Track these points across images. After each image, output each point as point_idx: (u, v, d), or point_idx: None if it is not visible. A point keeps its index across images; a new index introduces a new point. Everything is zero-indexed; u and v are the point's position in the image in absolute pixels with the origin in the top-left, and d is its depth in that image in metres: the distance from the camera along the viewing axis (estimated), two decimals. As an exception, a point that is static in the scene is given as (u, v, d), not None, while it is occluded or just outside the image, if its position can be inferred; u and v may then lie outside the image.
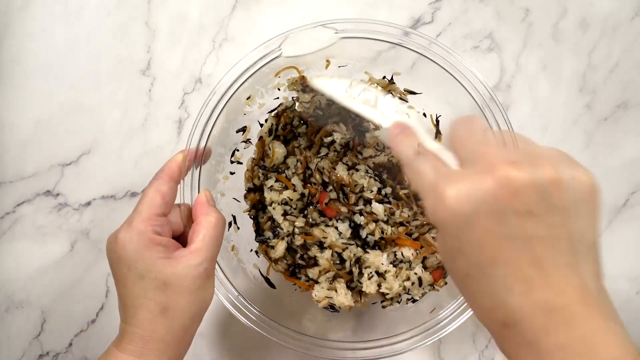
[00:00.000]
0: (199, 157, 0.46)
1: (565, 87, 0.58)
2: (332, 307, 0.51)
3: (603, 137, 0.58)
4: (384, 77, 0.52)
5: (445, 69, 0.46)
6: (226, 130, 0.50)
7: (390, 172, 0.54)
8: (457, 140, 0.31)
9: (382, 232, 0.51)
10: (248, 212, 0.54)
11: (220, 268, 0.47)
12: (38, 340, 0.57)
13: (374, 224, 0.51)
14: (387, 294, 0.49)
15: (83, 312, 0.57)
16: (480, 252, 0.28)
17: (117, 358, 0.37)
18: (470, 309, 0.45)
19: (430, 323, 0.47)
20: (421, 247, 0.51)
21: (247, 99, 0.49)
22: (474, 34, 0.58)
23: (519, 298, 0.27)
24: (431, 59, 0.46)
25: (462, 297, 0.46)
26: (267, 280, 0.53)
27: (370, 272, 0.50)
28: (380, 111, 0.41)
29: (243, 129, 0.52)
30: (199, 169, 0.46)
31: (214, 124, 0.46)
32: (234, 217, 0.52)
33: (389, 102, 0.42)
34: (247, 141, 0.53)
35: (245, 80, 0.46)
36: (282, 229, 0.52)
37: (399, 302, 0.52)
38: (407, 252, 0.50)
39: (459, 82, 0.47)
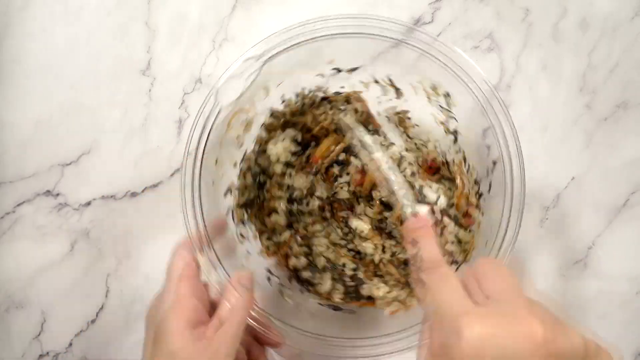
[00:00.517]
0: (205, 238, 0.43)
1: (565, 87, 0.58)
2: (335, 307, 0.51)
3: (603, 137, 0.58)
4: (389, 81, 0.52)
5: (448, 66, 0.46)
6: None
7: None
8: (486, 276, 0.29)
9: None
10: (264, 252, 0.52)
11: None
12: (38, 340, 0.57)
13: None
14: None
15: (83, 312, 0.57)
16: None
17: None
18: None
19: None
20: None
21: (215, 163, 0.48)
22: (474, 34, 0.58)
23: None
24: (434, 56, 0.46)
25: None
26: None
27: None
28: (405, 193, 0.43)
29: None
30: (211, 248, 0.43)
31: (208, 134, 0.46)
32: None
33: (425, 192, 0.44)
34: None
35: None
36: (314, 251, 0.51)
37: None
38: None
39: (461, 79, 0.46)
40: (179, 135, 0.58)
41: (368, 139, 0.49)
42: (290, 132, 0.51)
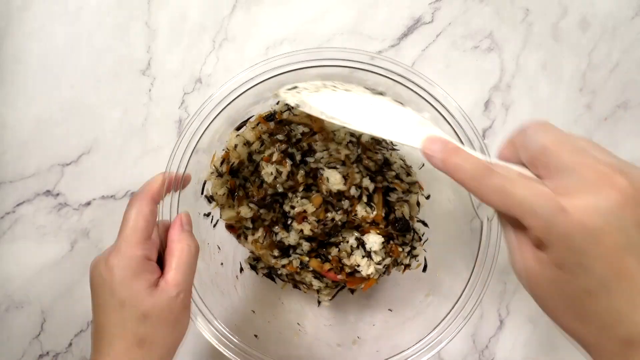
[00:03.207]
0: (178, 181, 0.45)
1: (565, 87, 0.58)
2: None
3: (603, 137, 0.58)
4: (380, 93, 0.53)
5: (422, 97, 0.46)
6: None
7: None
8: (544, 152, 0.29)
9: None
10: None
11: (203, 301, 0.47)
12: (38, 340, 0.57)
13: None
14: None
15: (83, 312, 0.57)
16: (606, 266, 0.27)
17: None
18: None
19: (431, 335, 0.47)
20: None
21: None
22: (474, 34, 0.58)
23: None
24: (406, 86, 0.47)
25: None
26: (253, 267, 0.54)
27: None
28: (398, 126, 0.36)
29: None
30: (178, 192, 0.45)
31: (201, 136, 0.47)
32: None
33: (403, 112, 0.37)
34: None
35: (240, 94, 0.47)
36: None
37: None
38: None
39: (435, 108, 0.47)
40: (179, 135, 0.58)
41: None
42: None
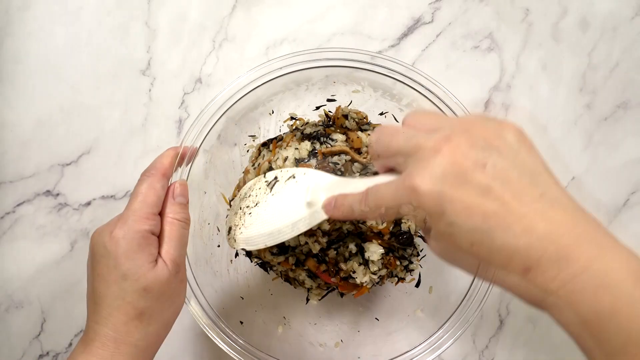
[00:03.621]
0: (192, 155, 0.46)
1: (565, 87, 0.58)
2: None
3: (603, 137, 0.58)
4: (382, 113, 0.54)
5: (424, 95, 0.49)
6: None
7: None
8: (386, 149, 0.34)
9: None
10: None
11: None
12: (38, 340, 0.57)
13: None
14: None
15: (83, 312, 0.56)
16: (469, 215, 0.29)
17: None
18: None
19: (432, 339, 0.48)
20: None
21: None
22: (474, 34, 0.58)
23: (524, 237, 0.28)
24: (408, 85, 0.49)
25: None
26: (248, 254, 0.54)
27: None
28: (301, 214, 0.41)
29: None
30: (189, 166, 0.46)
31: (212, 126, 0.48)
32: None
33: (296, 200, 0.42)
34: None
35: (246, 94, 0.49)
36: None
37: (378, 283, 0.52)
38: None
39: (436, 106, 0.49)
40: (179, 135, 0.58)
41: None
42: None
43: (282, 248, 0.51)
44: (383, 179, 0.34)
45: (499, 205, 0.29)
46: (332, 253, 0.50)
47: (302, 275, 0.52)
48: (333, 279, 0.51)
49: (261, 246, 0.44)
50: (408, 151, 0.32)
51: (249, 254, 0.54)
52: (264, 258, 0.52)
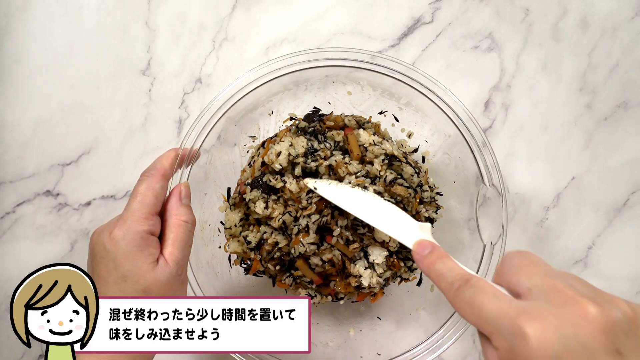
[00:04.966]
0: (192, 156, 0.46)
1: (565, 87, 0.58)
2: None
3: (603, 137, 0.58)
4: (381, 112, 0.53)
5: (423, 94, 0.49)
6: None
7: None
8: (517, 271, 0.30)
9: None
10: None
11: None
12: (38, 340, 0.57)
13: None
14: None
15: (83, 312, 0.57)
16: None
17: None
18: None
19: (433, 338, 0.48)
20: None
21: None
22: (474, 34, 0.58)
23: None
24: (408, 84, 0.49)
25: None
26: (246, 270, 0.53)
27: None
28: (394, 223, 0.41)
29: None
30: (189, 167, 0.46)
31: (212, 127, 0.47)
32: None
33: (398, 213, 0.42)
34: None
35: (245, 95, 0.49)
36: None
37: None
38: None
39: (439, 108, 0.48)
40: (179, 135, 0.58)
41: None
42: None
43: (282, 264, 0.51)
44: (491, 284, 0.30)
45: None
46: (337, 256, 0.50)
47: (300, 291, 0.52)
48: (340, 289, 0.51)
49: (328, 197, 0.45)
50: (539, 285, 0.28)
51: (246, 267, 0.54)
52: (267, 273, 0.52)
